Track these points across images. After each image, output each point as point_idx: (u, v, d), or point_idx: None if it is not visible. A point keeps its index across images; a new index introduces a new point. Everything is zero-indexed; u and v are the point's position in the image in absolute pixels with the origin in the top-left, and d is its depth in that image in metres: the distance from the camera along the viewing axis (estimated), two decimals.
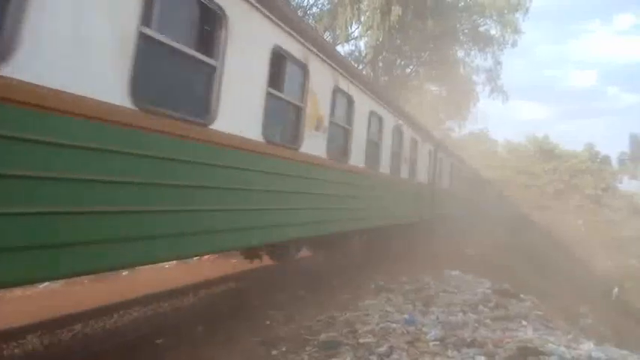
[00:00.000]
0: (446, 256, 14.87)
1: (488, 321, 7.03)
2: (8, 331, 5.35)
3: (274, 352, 5.16)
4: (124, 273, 9.79)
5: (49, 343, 5.36)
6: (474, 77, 31.58)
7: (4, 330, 5.30)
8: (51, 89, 2.85)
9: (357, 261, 10.78)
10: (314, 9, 23.82)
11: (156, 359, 4.91)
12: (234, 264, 10.05)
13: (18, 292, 7.05)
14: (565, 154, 37.80)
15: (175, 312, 6.50)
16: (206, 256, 11.64)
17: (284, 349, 5.27)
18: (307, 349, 5.25)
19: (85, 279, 9.03)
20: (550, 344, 6.05)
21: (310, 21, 22.28)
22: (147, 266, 10.94)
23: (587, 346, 6.54)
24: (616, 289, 27.37)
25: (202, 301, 7.41)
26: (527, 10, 29.55)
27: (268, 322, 6.34)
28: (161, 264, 11.34)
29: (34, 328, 5.56)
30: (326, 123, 6.76)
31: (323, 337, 5.68)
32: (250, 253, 7.15)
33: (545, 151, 37.24)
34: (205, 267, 10.94)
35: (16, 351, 5.07)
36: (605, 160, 49.73)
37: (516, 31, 29.61)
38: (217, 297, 7.89)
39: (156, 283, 8.20)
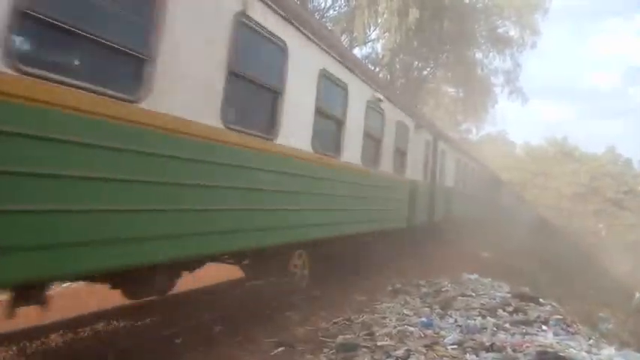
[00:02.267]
0: (462, 260, 14.74)
1: (507, 325, 6.94)
2: (32, 329, 5.48)
3: (292, 353, 5.19)
4: None
5: (71, 341, 5.48)
6: (493, 79, 31.28)
7: (28, 329, 5.42)
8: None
9: (373, 261, 10.72)
10: (331, 12, 23.90)
11: (174, 358, 4.97)
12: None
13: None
14: (585, 157, 37.17)
15: (193, 312, 6.57)
16: None
17: (301, 350, 5.29)
18: (325, 350, 5.27)
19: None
20: (571, 349, 5.96)
21: (327, 24, 22.34)
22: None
23: (609, 352, 6.42)
24: (638, 294, 26.77)
25: (220, 302, 7.47)
26: (546, 10, 29.29)
27: (285, 324, 6.37)
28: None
29: (57, 327, 5.69)
30: None
31: (340, 339, 5.69)
32: None
33: (565, 154, 36.68)
34: (222, 268, 11.02)
35: (40, 349, 5.20)
36: (627, 162, 48.81)
37: (535, 32, 29.34)
38: (235, 298, 7.95)
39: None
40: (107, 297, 6.58)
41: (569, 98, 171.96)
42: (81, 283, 7.16)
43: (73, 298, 6.87)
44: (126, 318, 6.34)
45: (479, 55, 29.79)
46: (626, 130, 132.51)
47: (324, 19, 22.28)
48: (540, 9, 29.24)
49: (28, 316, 4.39)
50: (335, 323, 6.47)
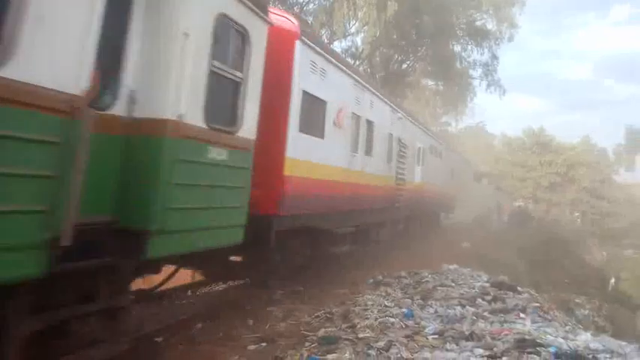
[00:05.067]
0: (443, 250, 14.95)
1: (486, 314, 7.07)
2: None
3: (273, 348, 5.19)
4: None
5: None
6: (471, 72, 31.58)
7: None
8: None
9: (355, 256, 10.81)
10: (311, 5, 23.77)
11: (156, 357, 4.93)
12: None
13: None
14: (561, 147, 37.92)
15: (174, 310, 6.52)
16: None
17: (283, 344, 5.30)
18: (306, 344, 5.28)
19: None
20: (548, 336, 6.10)
21: (307, 17, 22.22)
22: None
23: (585, 337, 6.59)
24: (612, 280, 27.56)
25: (201, 299, 7.43)
26: (523, 3, 29.59)
27: (267, 319, 6.37)
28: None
29: None
30: None
31: (322, 332, 5.71)
32: None
33: (542, 144, 37.34)
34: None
35: None
36: (602, 152, 49.99)
37: (513, 25, 29.65)
38: (216, 294, 7.91)
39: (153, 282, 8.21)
40: None
41: (545, 90, 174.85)
42: None
43: None
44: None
45: (457, 49, 30.00)
46: (601, 120, 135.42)
47: (303, 13, 22.16)
48: (517, 2, 29.60)
49: None
50: (317, 317, 6.49)
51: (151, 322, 5.82)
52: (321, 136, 8.12)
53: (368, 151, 10.66)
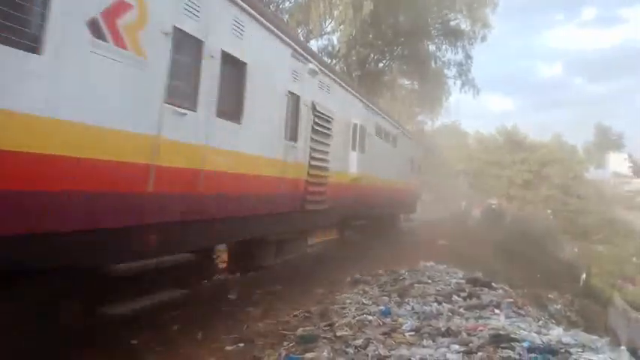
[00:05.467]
0: (420, 248, 15.11)
1: (461, 310, 7.17)
2: None
3: (252, 348, 5.16)
4: None
5: None
6: (446, 71, 32.02)
7: None
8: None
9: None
10: (287, 3, 23.73)
11: None
12: None
13: None
14: (534, 145, 38.74)
15: (150, 311, 6.40)
16: None
17: (261, 344, 5.28)
18: (285, 343, 5.27)
19: None
20: (522, 331, 6.21)
21: (283, 16, 22.16)
22: None
23: (557, 332, 6.74)
24: (584, 275, 28.32)
25: (178, 300, 7.32)
26: (496, 4, 30.12)
27: (245, 319, 6.33)
28: None
29: None
30: None
31: (300, 331, 5.71)
32: None
33: (515, 142, 38.09)
34: None
35: None
36: (573, 149, 51.28)
37: (486, 25, 30.09)
38: (193, 295, 7.80)
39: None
40: None
41: (517, 89, 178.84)
42: None
43: None
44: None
45: (432, 48, 30.36)
46: (572, 119, 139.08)
47: (279, 11, 22.09)
48: (490, 3, 30.09)
49: None
50: (295, 316, 6.49)
51: (126, 324, 5.71)
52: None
53: (226, 109, 5.89)
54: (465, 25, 30.00)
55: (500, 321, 6.72)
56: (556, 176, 35.79)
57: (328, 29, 25.16)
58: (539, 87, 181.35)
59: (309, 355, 4.92)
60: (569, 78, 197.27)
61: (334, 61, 24.26)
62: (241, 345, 5.31)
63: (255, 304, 7.08)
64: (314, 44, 24.30)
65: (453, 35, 29.36)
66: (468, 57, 30.61)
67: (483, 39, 30.16)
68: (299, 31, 22.52)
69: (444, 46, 30.30)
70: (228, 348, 5.21)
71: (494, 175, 37.05)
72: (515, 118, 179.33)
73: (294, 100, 7.96)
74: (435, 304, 7.39)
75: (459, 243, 19.09)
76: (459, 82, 31.95)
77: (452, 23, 29.81)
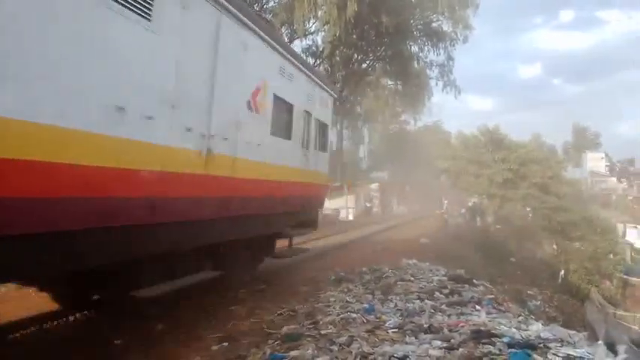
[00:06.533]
0: (403, 246, 15.26)
1: (443, 307, 7.27)
2: None
3: (236, 347, 5.18)
4: None
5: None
6: (428, 72, 32.37)
7: None
8: None
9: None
10: (271, 3, 23.70)
11: None
12: None
13: None
14: (514, 144, 39.30)
15: (134, 311, 6.36)
16: None
17: (246, 343, 5.30)
18: (269, 342, 5.29)
19: None
20: (502, 326, 6.33)
21: (267, 15, 22.09)
22: None
23: (536, 327, 6.86)
24: (562, 272, 28.92)
25: (162, 299, 7.29)
26: (477, 6, 30.57)
27: (229, 318, 6.34)
28: None
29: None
30: None
31: (285, 329, 5.74)
32: None
33: (496, 142, 38.60)
34: None
35: None
36: (552, 149, 52.27)
37: (467, 26, 30.55)
38: (177, 294, 7.78)
39: None
40: (37, 303, 6.26)
41: (497, 90, 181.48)
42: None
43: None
44: (63, 319, 6.04)
45: (415, 49, 30.69)
46: (551, 119, 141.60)
47: (262, 11, 22.02)
48: (472, 5, 30.53)
49: None
50: (280, 315, 6.51)
51: (109, 324, 5.67)
52: None
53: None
54: (446, 27, 30.41)
55: (481, 317, 6.82)
56: (535, 175, 36.39)
57: (312, 29, 25.22)
58: (519, 88, 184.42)
59: (293, 352, 4.94)
60: (548, 78, 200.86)
61: (318, 62, 24.32)
62: (226, 344, 5.31)
63: (240, 303, 7.09)
64: (298, 44, 24.34)
65: (436, 36, 29.73)
66: (450, 58, 31.08)
67: (465, 40, 30.63)
68: (283, 30, 22.48)
69: (426, 47, 30.71)
70: (214, 347, 5.22)
71: (475, 173, 37.51)
72: (495, 117, 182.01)
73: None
74: (418, 301, 7.49)
75: (442, 241, 19.31)
76: (440, 83, 32.37)
77: (434, 24, 30.19)
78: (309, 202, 10.02)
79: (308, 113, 9.47)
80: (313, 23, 24.81)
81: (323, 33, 25.24)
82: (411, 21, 28.33)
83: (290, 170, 8.71)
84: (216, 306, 6.88)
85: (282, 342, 5.29)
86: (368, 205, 39.99)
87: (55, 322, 5.96)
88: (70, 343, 5.22)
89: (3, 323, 5.60)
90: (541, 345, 5.60)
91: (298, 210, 9.34)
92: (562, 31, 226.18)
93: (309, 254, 11.31)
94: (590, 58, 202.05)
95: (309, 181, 9.83)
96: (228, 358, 4.74)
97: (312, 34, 25.82)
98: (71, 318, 6.15)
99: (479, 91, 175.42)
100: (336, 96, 13.01)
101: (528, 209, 36.95)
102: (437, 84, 33.45)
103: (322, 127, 10.46)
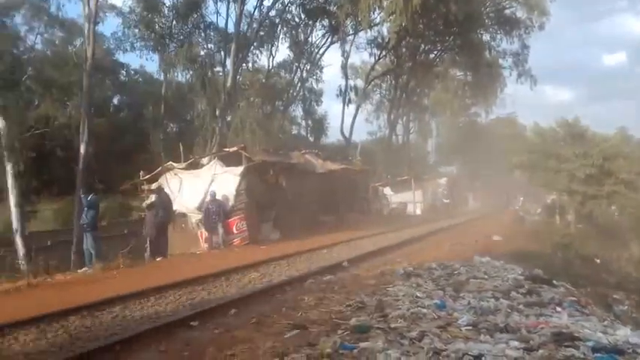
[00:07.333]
0: (473, 243, 14.73)
1: (521, 307, 6.91)
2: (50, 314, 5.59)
3: (306, 335, 5.22)
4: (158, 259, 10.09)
5: (90, 324, 5.58)
6: (501, 61, 30.93)
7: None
8: None
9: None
10: None
11: (191, 340, 5.03)
12: (263, 250, 10.19)
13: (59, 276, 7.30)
14: (596, 138, 36.55)
15: (209, 296, 6.64)
16: (236, 242, 11.87)
17: (315, 332, 5.32)
18: (339, 332, 5.28)
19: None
20: (586, 330, 5.93)
21: (331, 8, 22.12)
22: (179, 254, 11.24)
23: (624, 332, 6.38)
24: None
25: (234, 286, 7.55)
26: None
27: (299, 307, 6.41)
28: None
29: (75, 310, 5.80)
30: None
31: (354, 321, 5.71)
32: None
33: (575, 135, 36.08)
34: (236, 253, 11.15)
35: (60, 332, 5.30)
36: (639, 143, 47.90)
37: (543, 13, 28.84)
38: (249, 282, 8.02)
39: (190, 271, 8.42)
40: (120, 286, 6.71)
41: (578, 80, 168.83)
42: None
43: (87, 285, 6.98)
44: (143, 302, 6.42)
45: (486, 38, 29.38)
46: (637, 110, 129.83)
47: (327, 3, 22.05)
48: None
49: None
50: (348, 306, 6.49)
51: (186, 307, 5.95)
52: None
53: None
54: (521, 13, 28.87)
55: (562, 319, 6.43)
56: (621, 171, 33.61)
57: (377, 20, 24.91)
58: (601, 77, 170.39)
59: (363, 344, 4.90)
60: (633, 67, 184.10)
61: (383, 53, 23.99)
62: (295, 331, 5.37)
63: (308, 293, 7.16)
64: (362, 36, 24.13)
65: (509, 24, 28.36)
66: (525, 46, 29.52)
67: (541, 27, 28.95)
68: (347, 23, 22.41)
69: (498, 36, 29.34)
70: (284, 333, 5.29)
71: (554, 168, 35.29)
72: (576, 109, 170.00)
73: None
74: (493, 299, 7.17)
75: (517, 239, 18.42)
76: (514, 73, 30.79)
77: (507, 11, 28.77)
78: None
79: None
80: (379, 14, 24.47)
81: (388, 24, 24.77)
82: (482, 8, 27.12)
83: None
84: (285, 294, 6.99)
85: (351, 332, 5.26)
86: (446, 201, 37.52)
87: (136, 304, 6.34)
88: (151, 322, 5.52)
89: (87, 303, 6.06)
90: (630, 350, 5.19)
91: None
92: None
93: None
94: None
95: None
96: (300, 345, 4.77)
97: (377, 25, 25.51)
98: (152, 299, 6.51)
99: (556, 81, 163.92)
100: None
101: (614, 208, 34.27)
102: (510, 74, 31.89)
103: None
